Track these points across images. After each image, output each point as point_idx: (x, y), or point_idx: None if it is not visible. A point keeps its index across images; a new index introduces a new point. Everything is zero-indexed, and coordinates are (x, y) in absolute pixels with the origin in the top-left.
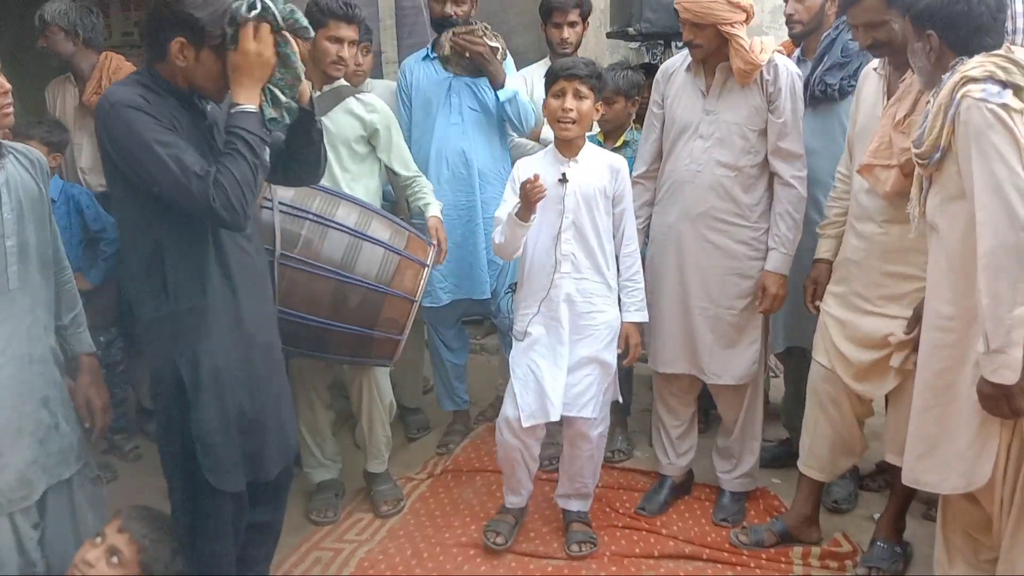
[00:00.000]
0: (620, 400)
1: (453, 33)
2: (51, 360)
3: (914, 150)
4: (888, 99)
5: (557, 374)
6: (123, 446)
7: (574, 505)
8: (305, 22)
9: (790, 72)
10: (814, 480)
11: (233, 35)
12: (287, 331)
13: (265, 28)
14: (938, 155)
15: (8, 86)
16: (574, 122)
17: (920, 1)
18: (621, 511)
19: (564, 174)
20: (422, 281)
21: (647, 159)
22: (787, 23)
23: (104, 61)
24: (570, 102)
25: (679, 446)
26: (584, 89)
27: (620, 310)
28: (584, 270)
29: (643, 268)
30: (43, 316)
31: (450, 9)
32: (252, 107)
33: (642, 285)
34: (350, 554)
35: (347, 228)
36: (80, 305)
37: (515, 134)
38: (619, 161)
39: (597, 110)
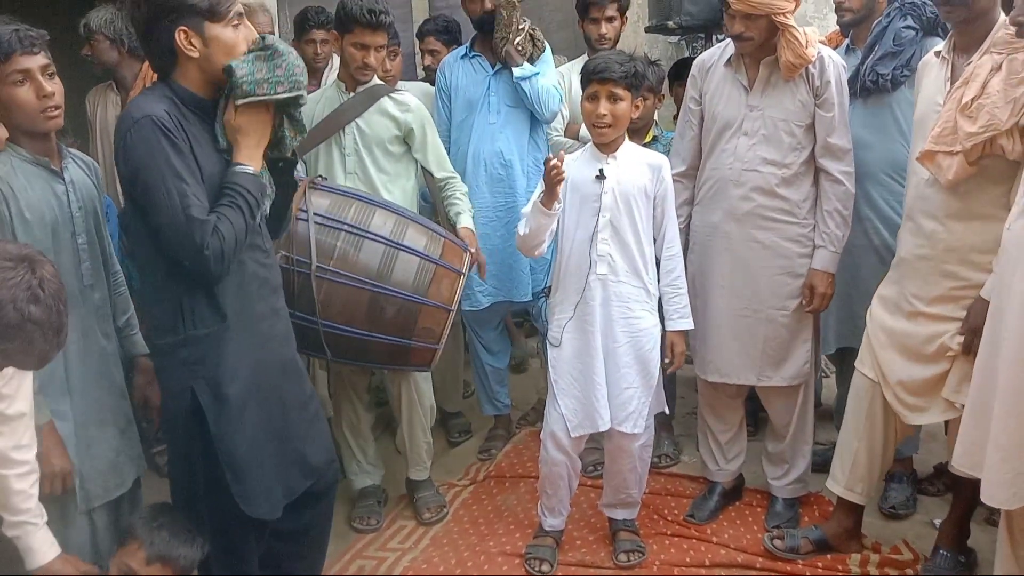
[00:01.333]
0: (667, 411)
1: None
2: (119, 356)
3: None
4: (952, 84)
5: (598, 381)
6: (163, 458)
7: (620, 514)
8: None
9: (836, 64)
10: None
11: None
12: (325, 341)
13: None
14: None
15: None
16: (609, 126)
17: None
18: (669, 518)
19: (601, 171)
20: (458, 290)
21: (686, 157)
22: (837, 11)
23: (147, 70)
24: (604, 107)
25: (728, 451)
26: (619, 91)
27: (662, 317)
28: (621, 273)
29: (685, 270)
30: (110, 313)
31: (490, 4)
32: (252, 168)
33: (685, 290)
34: (394, 563)
35: (382, 238)
36: (132, 308)
37: (550, 131)
38: (660, 159)
39: (637, 107)
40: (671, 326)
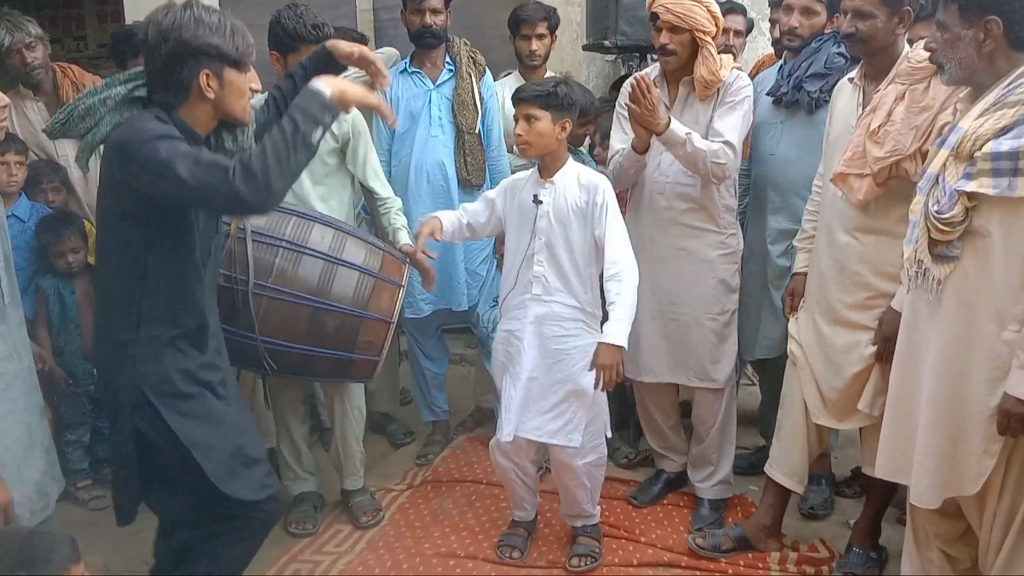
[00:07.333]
0: (608, 434)
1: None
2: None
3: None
4: (863, 109)
5: (513, 395)
6: (86, 493)
7: (579, 522)
8: None
9: (740, 87)
10: (780, 489)
11: None
12: (267, 357)
13: None
14: None
15: (7, 100)
16: (528, 143)
17: None
18: (600, 519)
19: (535, 196)
20: (398, 302)
21: None
22: (786, 35)
23: (69, 75)
24: (520, 127)
25: (669, 448)
26: (535, 111)
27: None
28: (554, 292)
29: None
30: (26, 330)
31: (429, 20)
32: (323, 88)
33: (624, 311)
34: (329, 566)
35: (321, 253)
36: None
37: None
38: (596, 179)
39: (564, 128)
40: (599, 337)
